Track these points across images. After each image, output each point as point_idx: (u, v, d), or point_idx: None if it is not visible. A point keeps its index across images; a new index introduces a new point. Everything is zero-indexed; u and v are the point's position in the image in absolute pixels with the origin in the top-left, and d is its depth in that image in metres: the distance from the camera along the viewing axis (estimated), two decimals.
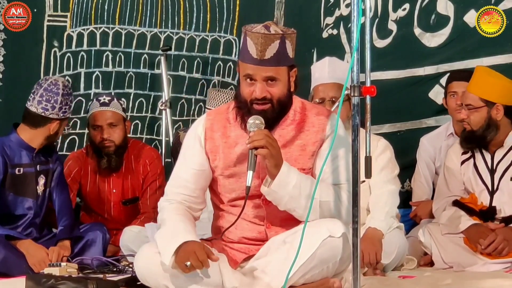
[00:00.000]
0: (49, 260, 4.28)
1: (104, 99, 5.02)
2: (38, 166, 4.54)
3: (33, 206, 4.51)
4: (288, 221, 3.23)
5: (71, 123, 6.02)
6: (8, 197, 4.46)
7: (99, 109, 4.99)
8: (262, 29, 3.15)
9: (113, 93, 5.93)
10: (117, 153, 4.99)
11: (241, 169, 3.21)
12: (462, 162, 4.55)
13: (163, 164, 5.47)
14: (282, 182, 3.07)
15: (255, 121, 3.11)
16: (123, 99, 5.22)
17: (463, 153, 4.56)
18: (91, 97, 6.01)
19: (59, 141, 5.98)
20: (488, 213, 4.40)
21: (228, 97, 4.98)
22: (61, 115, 4.48)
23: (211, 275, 3.13)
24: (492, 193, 4.45)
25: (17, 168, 4.48)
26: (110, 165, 4.99)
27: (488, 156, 4.49)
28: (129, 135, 5.25)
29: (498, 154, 4.47)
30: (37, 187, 4.55)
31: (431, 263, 4.45)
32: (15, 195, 4.48)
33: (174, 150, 5.26)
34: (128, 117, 5.30)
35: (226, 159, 3.26)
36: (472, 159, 4.53)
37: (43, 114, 4.47)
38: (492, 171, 4.47)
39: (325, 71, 4.38)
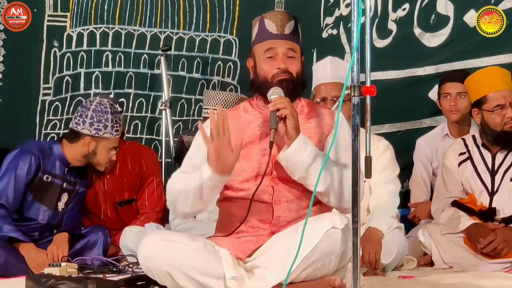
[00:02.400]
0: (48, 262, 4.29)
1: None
2: (65, 183, 4.59)
3: (47, 216, 4.54)
4: (294, 201, 3.27)
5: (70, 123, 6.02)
6: (27, 198, 4.49)
7: None
8: (281, 10, 3.36)
9: (112, 93, 5.94)
10: None
11: (252, 150, 3.28)
12: (460, 163, 4.54)
13: (162, 164, 5.47)
14: (300, 146, 3.16)
15: (274, 90, 3.24)
16: (122, 98, 5.20)
17: (460, 154, 4.55)
18: (91, 97, 6.01)
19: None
20: (488, 214, 4.40)
21: (224, 97, 4.99)
22: (93, 131, 4.49)
23: (212, 265, 3.15)
24: (492, 194, 4.45)
25: (46, 175, 4.51)
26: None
27: (488, 157, 4.49)
28: (128, 135, 5.25)
29: (500, 155, 4.46)
30: (58, 203, 4.58)
31: (431, 263, 4.45)
32: (34, 199, 4.51)
33: (178, 154, 5.27)
34: (128, 117, 5.31)
35: (238, 140, 3.28)
36: (469, 160, 4.52)
37: (75, 128, 4.53)
38: (492, 172, 4.46)
39: (327, 70, 4.40)
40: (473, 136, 4.58)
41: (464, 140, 4.61)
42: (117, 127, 4.57)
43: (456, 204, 4.47)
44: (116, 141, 4.60)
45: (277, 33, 3.33)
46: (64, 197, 4.61)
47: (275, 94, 3.22)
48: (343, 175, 3.20)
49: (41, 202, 4.53)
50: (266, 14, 3.39)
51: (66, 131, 6.00)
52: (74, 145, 4.54)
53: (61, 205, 4.60)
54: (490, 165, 4.48)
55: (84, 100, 6.01)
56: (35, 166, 4.46)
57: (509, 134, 4.39)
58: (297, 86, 3.33)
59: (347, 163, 3.21)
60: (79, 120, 4.52)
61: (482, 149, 4.51)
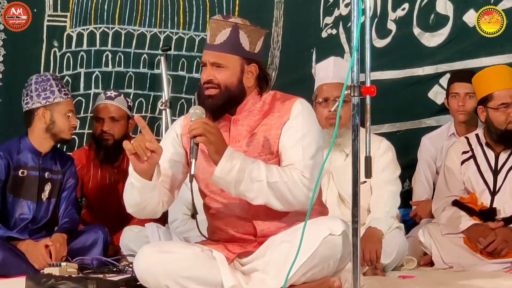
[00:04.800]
0: (47, 252, 4.28)
1: (111, 93, 5.11)
2: (46, 173, 4.55)
3: (31, 209, 4.51)
4: (273, 213, 3.21)
5: None
6: (8, 199, 4.47)
7: (103, 102, 5.08)
8: (219, 17, 3.28)
9: None
10: (115, 147, 5.02)
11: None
12: (462, 162, 4.55)
13: None
14: (225, 167, 3.05)
15: (195, 111, 3.13)
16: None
17: (463, 152, 4.56)
18: (91, 97, 6.02)
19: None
20: (488, 214, 4.40)
21: None
22: (43, 101, 4.47)
23: (210, 274, 3.16)
24: (493, 193, 4.45)
25: (21, 170, 4.49)
26: (106, 158, 5.02)
27: (491, 156, 4.49)
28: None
29: (504, 155, 4.47)
30: (42, 193, 4.55)
31: (431, 263, 4.45)
32: (15, 197, 4.48)
33: None
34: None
35: (202, 152, 3.23)
36: (472, 159, 4.52)
37: (26, 109, 4.51)
38: (495, 172, 4.47)
39: (330, 70, 4.40)
40: (477, 135, 4.58)
41: (467, 138, 4.61)
42: (65, 90, 4.54)
43: (456, 203, 4.47)
44: (69, 104, 4.55)
45: (208, 43, 3.24)
46: (47, 187, 4.56)
47: (194, 116, 3.11)
48: (282, 178, 3.10)
49: (23, 197, 4.49)
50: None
51: None
52: (33, 125, 4.51)
53: (45, 196, 4.55)
54: (493, 165, 4.48)
55: (84, 100, 6.05)
56: (3, 167, 4.43)
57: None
58: (225, 100, 3.21)
59: (292, 165, 3.14)
60: (26, 99, 4.50)
61: (485, 148, 4.52)
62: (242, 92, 3.26)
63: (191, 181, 3.07)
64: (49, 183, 4.58)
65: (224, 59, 3.21)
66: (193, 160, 3.06)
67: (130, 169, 3.14)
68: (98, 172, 5.10)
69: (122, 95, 5.14)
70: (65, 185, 4.65)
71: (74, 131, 5.96)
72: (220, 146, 3.07)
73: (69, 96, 4.57)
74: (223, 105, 3.23)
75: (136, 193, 3.14)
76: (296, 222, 3.21)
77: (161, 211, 3.29)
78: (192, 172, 3.05)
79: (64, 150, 5.88)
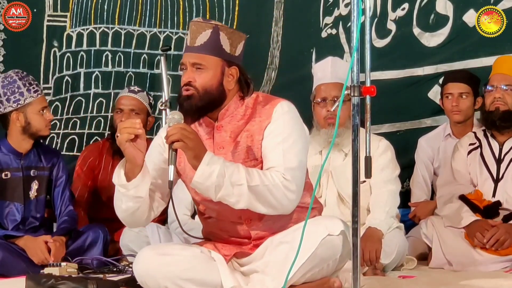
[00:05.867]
0: (46, 248, 4.29)
1: (134, 88, 5.19)
2: (31, 171, 4.53)
3: (20, 211, 4.49)
4: (266, 216, 3.19)
5: (70, 123, 6.03)
6: None
7: (126, 94, 5.14)
8: (199, 19, 3.25)
9: (112, 93, 5.96)
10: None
11: None
12: (469, 152, 4.57)
13: None
14: (204, 172, 3.01)
15: (173, 116, 3.07)
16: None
17: (470, 144, 4.59)
18: (91, 97, 6.02)
19: (59, 140, 6.00)
20: (492, 208, 4.42)
21: None
22: (14, 104, 4.44)
23: (210, 275, 3.16)
24: (496, 181, 4.47)
25: (4, 173, 4.46)
26: (120, 150, 5.04)
27: (496, 146, 4.54)
28: None
29: (508, 144, 4.50)
30: (30, 192, 4.53)
31: (429, 257, 4.44)
32: (1, 200, 4.47)
33: None
34: None
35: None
36: (479, 149, 4.57)
37: None
38: (499, 161, 4.50)
39: (327, 70, 4.39)
40: (484, 130, 4.62)
41: (475, 133, 4.67)
42: (34, 88, 4.49)
43: (462, 198, 4.48)
44: (41, 101, 4.52)
45: (188, 45, 3.19)
46: (34, 185, 4.54)
47: (172, 121, 3.05)
48: (263, 181, 3.06)
49: (9, 200, 4.48)
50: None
51: (66, 131, 6.02)
52: (10, 128, 4.48)
53: (33, 194, 4.53)
54: (497, 154, 4.52)
55: (84, 100, 6.05)
56: None
57: (493, 114, 4.48)
58: (203, 101, 3.16)
59: (273, 167, 3.11)
60: None
61: (490, 139, 4.57)
62: (222, 94, 3.21)
63: (170, 188, 3.04)
64: (36, 181, 4.56)
65: (204, 60, 3.16)
66: (171, 166, 2.99)
67: (115, 176, 3.15)
68: (109, 165, 5.14)
69: (145, 92, 5.21)
70: (56, 182, 4.63)
71: (74, 131, 6.03)
72: (199, 151, 3.03)
73: (39, 92, 4.51)
74: (202, 106, 3.18)
75: (124, 198, 3.15)
76: (290, 223, 3.22)
77: (152, 218, 3.30)
78: (171, 178, 2.99)
79: (64, 151, 5.91)
